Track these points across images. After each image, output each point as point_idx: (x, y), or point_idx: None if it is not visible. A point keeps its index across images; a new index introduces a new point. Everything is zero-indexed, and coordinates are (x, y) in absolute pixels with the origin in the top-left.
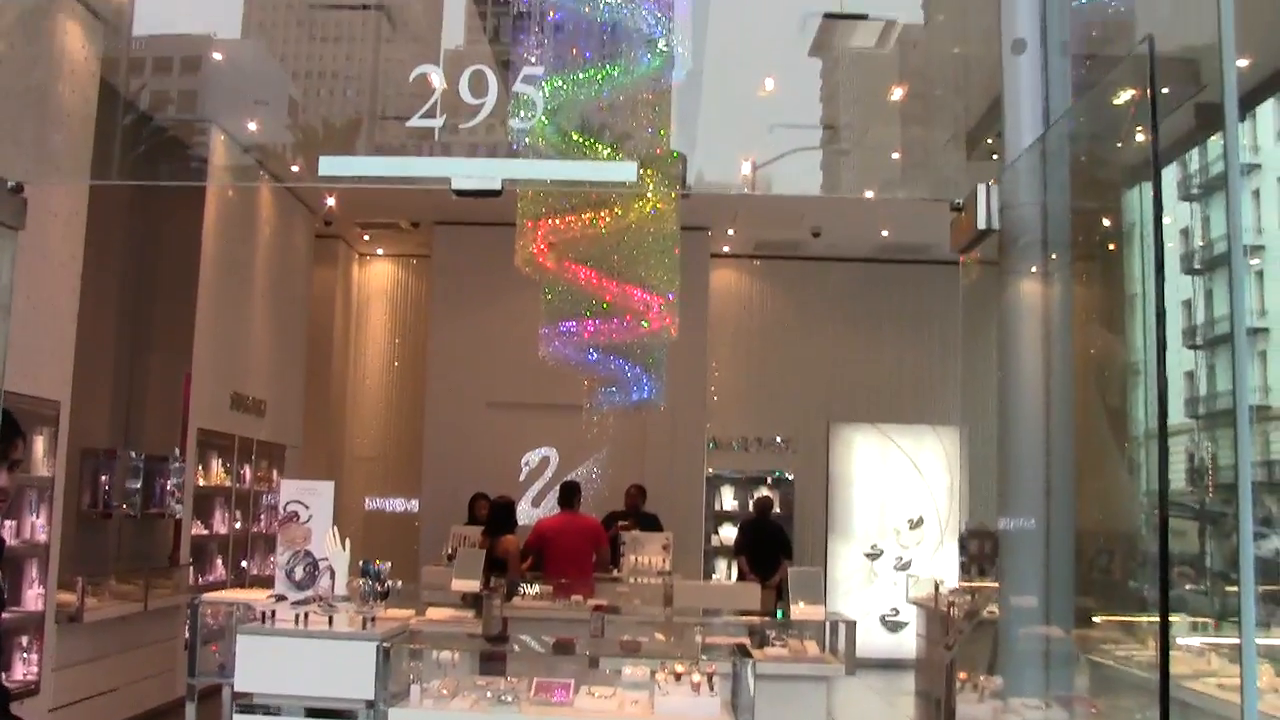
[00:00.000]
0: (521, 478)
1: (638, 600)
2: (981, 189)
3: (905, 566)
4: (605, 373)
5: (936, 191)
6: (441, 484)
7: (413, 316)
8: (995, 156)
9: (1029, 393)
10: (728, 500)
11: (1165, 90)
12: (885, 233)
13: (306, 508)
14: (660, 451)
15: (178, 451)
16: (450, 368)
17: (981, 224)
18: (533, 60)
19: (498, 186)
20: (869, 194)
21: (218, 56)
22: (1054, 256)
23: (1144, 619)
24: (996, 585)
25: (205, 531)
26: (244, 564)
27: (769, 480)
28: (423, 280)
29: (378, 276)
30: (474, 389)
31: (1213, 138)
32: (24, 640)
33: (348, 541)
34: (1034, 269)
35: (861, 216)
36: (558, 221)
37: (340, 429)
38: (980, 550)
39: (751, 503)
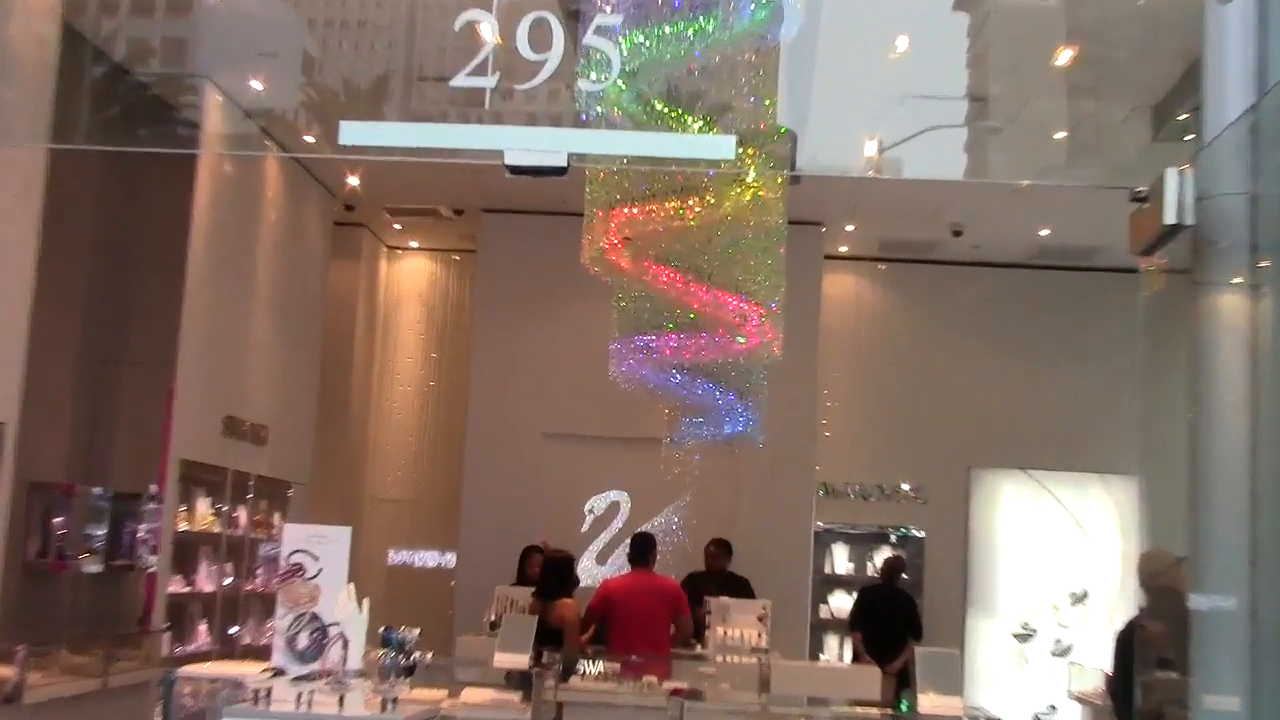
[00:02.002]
0: (584, 528)
1: (726, 684)
2: (1172, 174)
3: (1065, 652)
4: (691, 399)
5: (1112, 178)
6: (485, 534)
7: (453, 325)
8: (1190, 138)
9: (1229, 434)
10: (840, 561)
11: None
12: (1045, 231)
13: (315, 559)
14: (757, 499)
15: (154, 488)
16: (499, 389)
17: (1170, 218)
18: (608, 10)
19: (562, 162)
20: (1026, 182)
21: None
22: (1265, 263)
23: None
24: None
25: (186, 588)
26: (234, 630)
27: (892, 538)
28: (466, 280)
29: (410, 275)
30: (527, 416)
31: None
32: None
33: (365, 602)
34: (1237, 279)
35: (1015, 211)
36: (635, 211)
37: (360, 463)
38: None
39: (873, 565)
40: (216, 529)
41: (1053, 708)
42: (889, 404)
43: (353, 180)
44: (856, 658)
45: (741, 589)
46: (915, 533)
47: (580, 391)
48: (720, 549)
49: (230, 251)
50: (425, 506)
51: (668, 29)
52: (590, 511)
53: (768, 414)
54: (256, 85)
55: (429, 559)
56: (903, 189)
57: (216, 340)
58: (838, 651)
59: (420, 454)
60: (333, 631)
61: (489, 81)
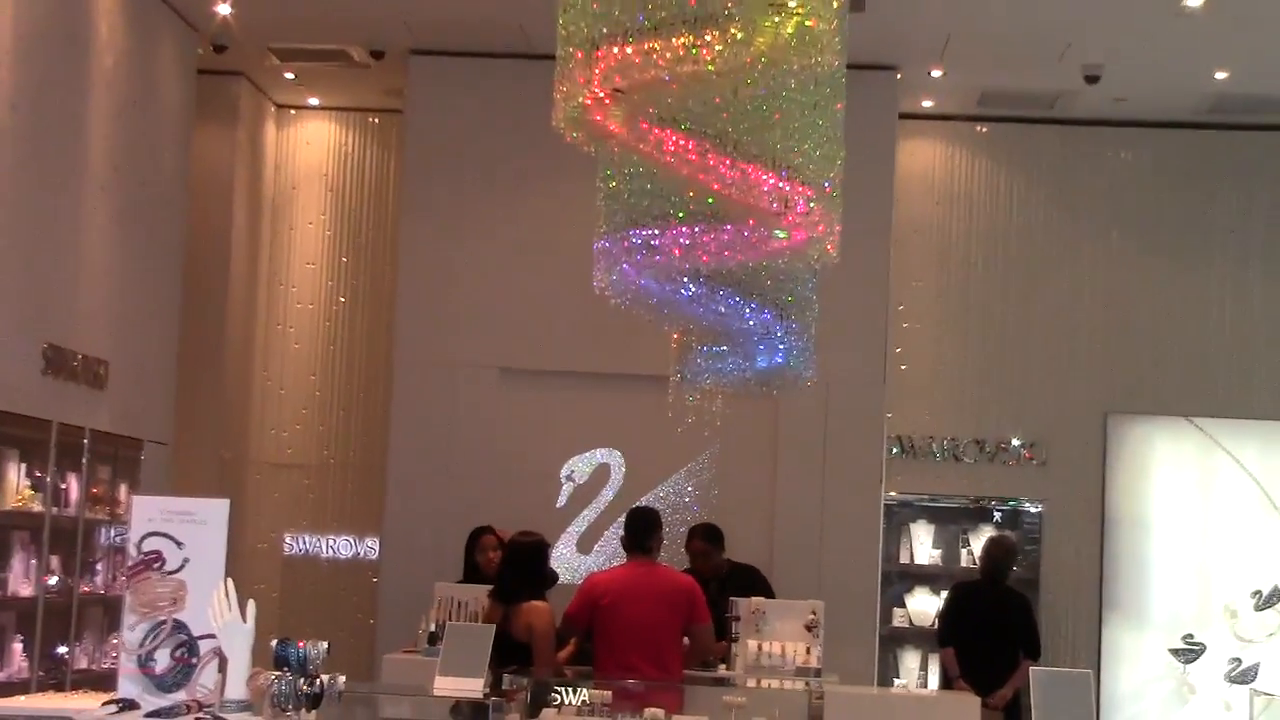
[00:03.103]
0: (560, 502)
1: (761, 719)
2: None
3: (1248, 676)
4: (710, 320)
5: None
6: (420, 511)
7: (373, 216)
8: None
9: None
10: (922, 548)
11: None
12: (1221, 75)
13: (179, 546)
14: (805, 460)
15: None
16: (437, 307)
17: None
18: None
19: None
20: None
21: None
22: None
23: None
24: None
25: None
26: (62, 649)
27: (997, 515)
28: (389, 152)
29: (310, 145)
30: (478, 346)
31: None
32: None
33: (251, 606)
34: None
35: (1178, 44)
36: (629, 50)
37: (242, 414)
38: None
39: (970, 553)
40: (35, 507)
41: None
42: (992, 326)
43: (223, 8)
44: (947, 683)
45: (754, 584)
46: (1029, 507)
47: (553, 311)
48: (709, 541)
49: (47, 112)
50: (336, 474)
51: None
52: (569, 479)
53: (820, 340)
54: None
55: (342, 546)
56: (1013, 15)
57: (30, 240)
58: (919, 674)
59: (328, 400)
60: (204, 647)
61: None
